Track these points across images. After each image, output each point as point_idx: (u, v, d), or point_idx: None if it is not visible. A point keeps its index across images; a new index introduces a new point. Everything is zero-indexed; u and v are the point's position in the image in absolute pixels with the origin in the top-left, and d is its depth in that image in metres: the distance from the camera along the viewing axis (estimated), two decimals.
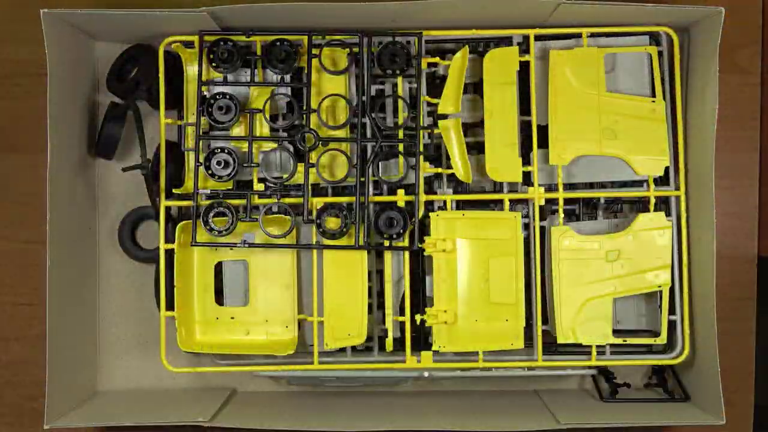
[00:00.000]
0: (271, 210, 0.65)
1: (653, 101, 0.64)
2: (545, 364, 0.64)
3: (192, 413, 0.62)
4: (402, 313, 0.64)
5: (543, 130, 0.64)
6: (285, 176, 0.63)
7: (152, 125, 0.68)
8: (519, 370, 0.65)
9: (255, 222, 0.63)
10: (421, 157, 0.63)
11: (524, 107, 0.64)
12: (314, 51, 0.63)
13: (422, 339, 0.65)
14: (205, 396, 0.67)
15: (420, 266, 0.65)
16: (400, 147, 0.63)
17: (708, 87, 0.61)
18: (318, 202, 0.63)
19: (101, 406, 0.66)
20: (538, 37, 0.64)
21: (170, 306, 0.63)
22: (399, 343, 0.64)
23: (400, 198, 0.63)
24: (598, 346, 0.64)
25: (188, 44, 0.64)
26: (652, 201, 0.64)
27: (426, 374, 0.65)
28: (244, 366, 0.66)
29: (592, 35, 0.64)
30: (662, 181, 0.65)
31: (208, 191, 0.63)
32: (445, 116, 0.64)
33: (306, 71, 0.63)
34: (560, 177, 0.63)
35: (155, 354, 0.65)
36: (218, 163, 0.63)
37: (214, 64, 0.63)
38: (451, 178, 0.65)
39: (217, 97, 0.63)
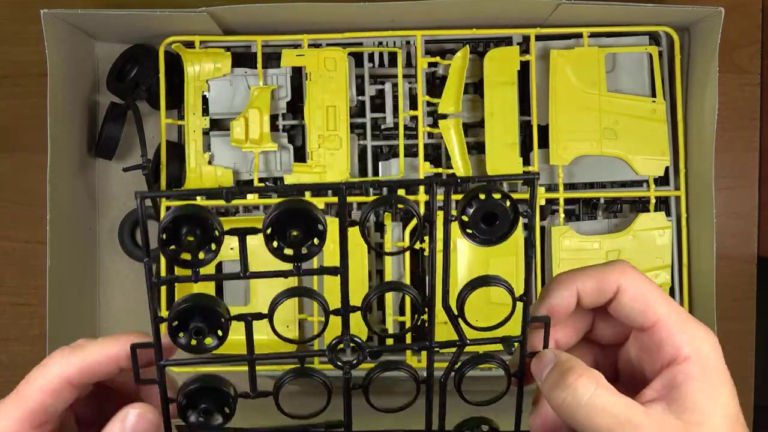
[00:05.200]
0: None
1: (654, 101, 0.64)
2: None
3: None
4: (402, 313, 0.64)
5: (543, 130, 0.64)
6: (285, 176, 0.63)
7: (152, 125, 0.68)
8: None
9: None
10: (421, 157, 0.63)
11: (524, 107, 0.64)
12: (314, 51, 0.63)
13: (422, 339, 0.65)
14: None
15: (420, 266, 0.65)
16: (401, 147, 0.63)
17: (708, 87, 0.61)
18: (318, 202, 0.63)
19: None
20: (538, 37, 0.64)
21: (171, 306, 0.63)
22: (399, 342, 0.64)
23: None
24: None
25: (188, 44, 0.64)
26: (653, 201, 0.64)
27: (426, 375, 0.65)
28: (244, 366, 0.66)
29: (593, 35, 0.64)
30: (662, 181, 0.65)
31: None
32: (445, 116, 0.64)
33: (305, 71, 0.63)
34: (561, 177, 0.63)
35: None
36: None
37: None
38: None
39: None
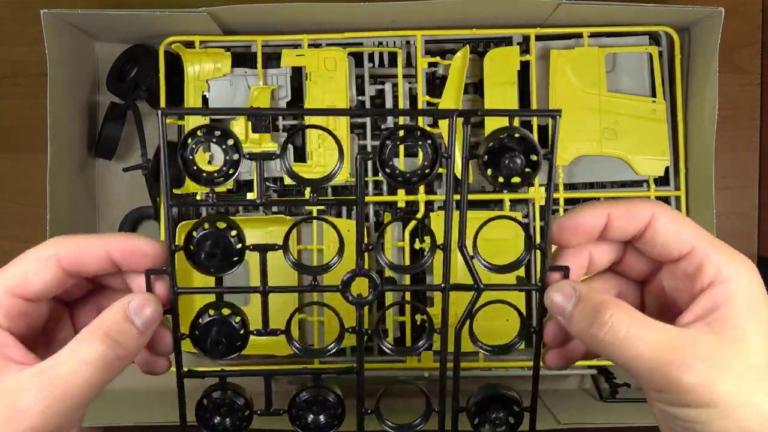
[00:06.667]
0: (272, 210, 0.65)
1: (654, 101, 0.64)
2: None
3: (192, 413, 0.62)
4: (402, 313, 0.64)
5: (543, 130, 0.64)
6: (285, 177, 0.63)
7: (152, 125, 0.68)
8: (519, 370, 0.65)
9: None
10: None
11: (524, 107, 0.64)
12: (314, 51, 0.63)
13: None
14: None
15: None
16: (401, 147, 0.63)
17: (708, 87, 0.61)
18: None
19: (101, 406, 0.66)
20: (538, 37, 0.64)
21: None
22: (399, 343, 0.64)
23: (401, 198, 0.63)
24: None
25: (188, 44, 0.64)
26: None
27: (426, 374, 0.65)
28: (244, 366, 0.66)
29: (593, 35, 0.64)
30: (662, 181, 0.65)
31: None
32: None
33: (305, 71, 0.63)
34: (561, 177, 0.63)
35: None
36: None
37: None
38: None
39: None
